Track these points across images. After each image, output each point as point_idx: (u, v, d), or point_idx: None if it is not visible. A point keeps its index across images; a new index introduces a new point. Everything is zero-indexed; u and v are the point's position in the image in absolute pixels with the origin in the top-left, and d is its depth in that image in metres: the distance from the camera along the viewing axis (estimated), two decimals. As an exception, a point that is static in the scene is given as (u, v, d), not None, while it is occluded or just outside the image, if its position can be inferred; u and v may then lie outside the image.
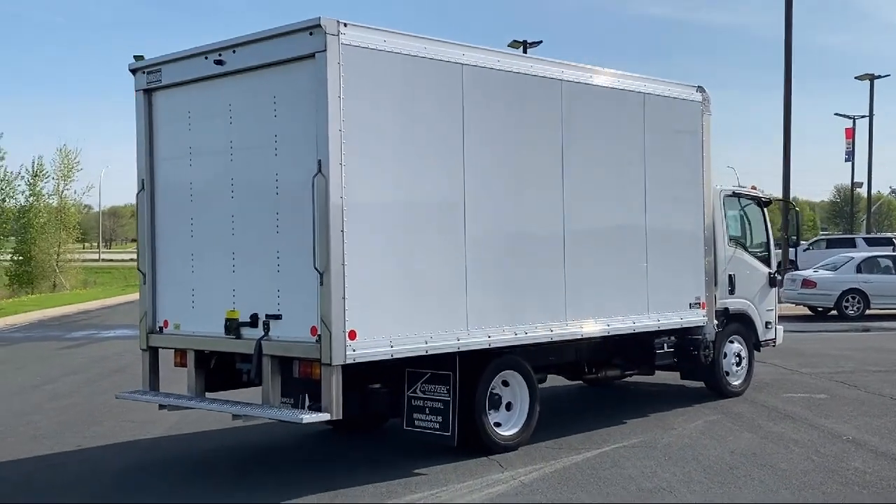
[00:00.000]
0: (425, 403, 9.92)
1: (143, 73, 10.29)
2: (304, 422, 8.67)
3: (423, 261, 9.42)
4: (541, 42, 46.11)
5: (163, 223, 10.32)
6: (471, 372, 10.10)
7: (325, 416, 8.71)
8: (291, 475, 9.58)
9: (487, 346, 9.97)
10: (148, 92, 10.30)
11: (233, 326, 9.44)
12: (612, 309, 11.33)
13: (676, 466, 9.52)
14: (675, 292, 12.17)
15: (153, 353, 10.37)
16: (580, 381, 13.06)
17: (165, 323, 10.26)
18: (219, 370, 10.03)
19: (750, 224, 14.45)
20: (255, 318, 9.27)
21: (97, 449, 10.82)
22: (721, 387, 13.40)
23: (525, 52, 44.30)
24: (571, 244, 10.82)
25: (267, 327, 9.18)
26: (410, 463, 9.76)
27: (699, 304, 12.48)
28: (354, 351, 8.77)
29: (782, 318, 15.81)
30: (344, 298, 8.68)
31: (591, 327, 11.09)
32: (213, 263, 9.81)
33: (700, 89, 12.57)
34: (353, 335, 8.75)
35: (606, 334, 11.38)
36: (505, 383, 10.56)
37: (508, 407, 10.59)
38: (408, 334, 9.21)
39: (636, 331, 11.72)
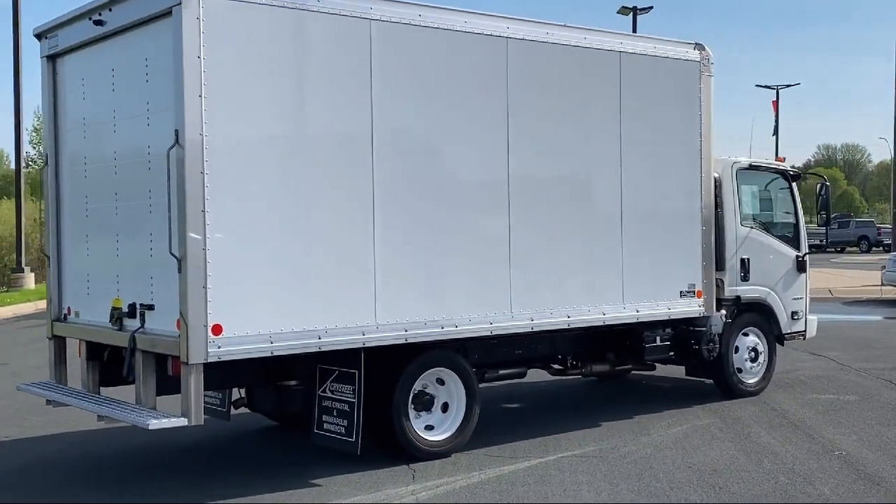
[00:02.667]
0: (333, 405, 8.81)
1: (45, 38, 9.44)
2: (151, 428, 7.65)
3: (315, 242, 8.26)
4: (651, 8, 43.58)
5: (64, 201, 9.47)
6: (386, 370, 8.96)
7: (177, 423, 7.70)
8: (179, 478, 8.64)
9: (404, 342, 8.76)
10: (51, 59, 9.44)
11: (116, 316, 8.51)
12: (574, 297, 9.95)
13: (610, 484, 8.16)
14: (661, 278, 10.67)
15: (59, 342, 9.56)
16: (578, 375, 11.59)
17: (69, 310, 9.43)
18: (113, 363, 9.12)
19: (774, 201, 12.73)
20: (133, 308, 8.33)
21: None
22: (731, 385, 11.82)
23: (635, 20, 42.35)
24: (519, 221, 9.48)
25: (143, 318, 8.22)
26: (318, 470, 8.69)
27: (693, 292, 10.93)
28: (219, 348, 7.71)
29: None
30: (205, 288, 7.63)
31: (546, 320, 9.74)
32: (102, 246, 8.94)
33: (698, 47, 10.98)
34: (217, 330, 7.69)
35: (566, 327, 10.00)
36: (440, 381, 9.35)
37: (445, 408, 9.38)
38: (294, 328, 8.09)
39: (607, 323, 10.29)
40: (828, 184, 12.38)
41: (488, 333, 9.38)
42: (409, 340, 8.79)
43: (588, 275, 10.07)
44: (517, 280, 9.46)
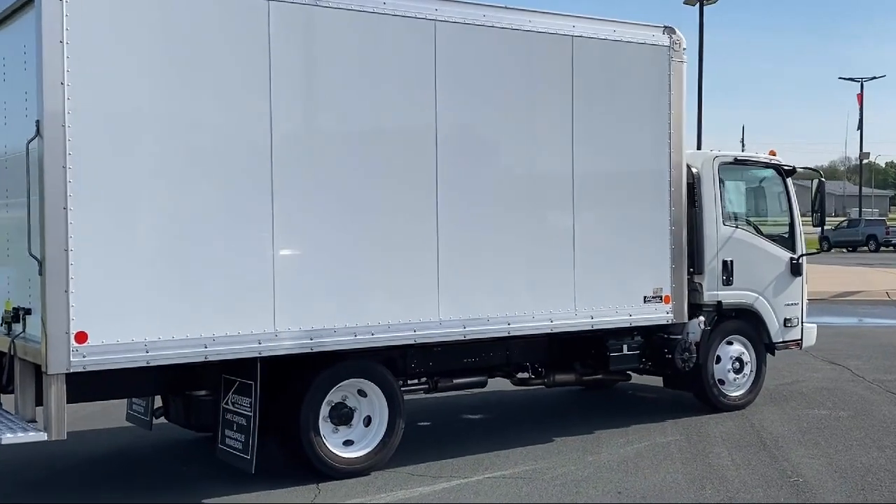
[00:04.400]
0: (233, 418, 8.17)
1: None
2: (4, 442, 7.08)
3: (201, 243, 7.59)
4: (717, -1, 41.77)
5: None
6: (294, 381, 8.28)
7: (35, 437, 7.12)
8: (73, 490, 8.08)
9: (309, 351, 8.07)
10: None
11: (5, 320, 7.97)
12: (516, 303, 9.13)
13: (520, 512, 7.37)
14: (621, 281, 9.79)
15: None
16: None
17: (-24, 314, 8.93)
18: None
19: (766, 199, 11.70)
20: (17, 312, 7.78)
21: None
22: (711, 398, 10.86)
23: (701, 10, 40.91)
24: (450, 218, 8.70)
25: (24, 323, 7.67)
26: (216, 487, 8.12)
27: (660, 297, 10.02)
28: (84, 357, 7.11)
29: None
30: (67, 292, 7.03)
31: (481, 327, 8.94)
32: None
33: (668, 30, 10.06)
34: (81, 338, 7.09)
35: (506, 335, 9.19)
36: (362, 393, 8.63)
37: (368, 422, 8.66)
38: (175, 336, 7.45)
39: (555, 331, 9.46)
40: (823, 179, 11.29)
41: (411, 342, 8.63)
42: (316, 350, 8.09)
43: (534, 276, 9.25)
44: (447, 282, 8.69)
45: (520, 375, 10.36)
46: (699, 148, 44.93)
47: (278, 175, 7.84)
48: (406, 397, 9.14)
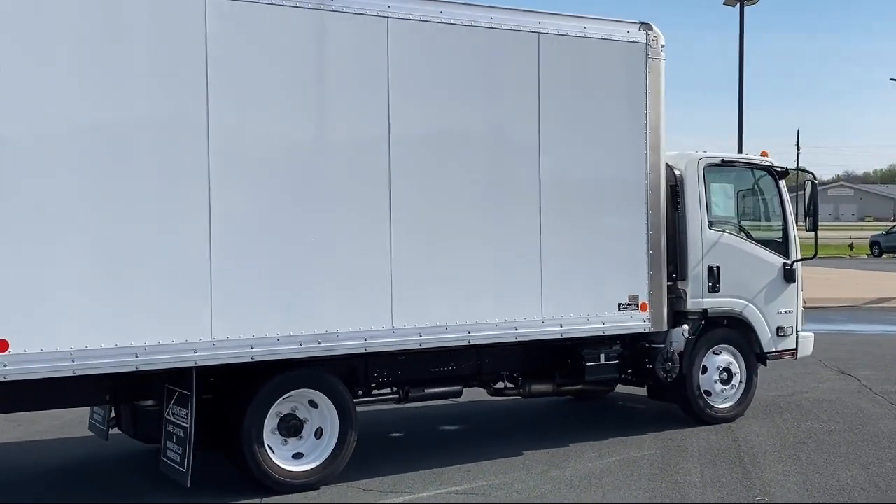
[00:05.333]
0: (173, 430, 7.90)
1: None
2: None
3: (131, 244, 7.27)
4: (759, -1, 40.92)
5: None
6: (237, 391, 8.01)
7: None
8: None
9: (250, 360, 7.77)
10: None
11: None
12: (477, 310, 8.77)
13: (458, 532, 7.01)
14: (593, 288, 9.38)
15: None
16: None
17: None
18: None
19: (757, 202, 11.21)
20: None
21: None
22: (696, 410, 10.39)
23: (742, 11, 40.10)
24: (405, 223, 8.37)
25: None
26: (170, 498, 7.82)
27: (636, 304, 9.60)
28: (6, 367, 6.87)
29: None
30: (-16, 299, 6.80)
31: (438, 336, 8.59)
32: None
33: (644, 27, 9.65)
34: (2, 346, 6.86)
35: (466, 344, 8.83)
36: (313, 404, 8.33)
37: (319, 434, 8.35)
38: (103, 344, 7.18)
39: (520, 339, 9.08)
40: (816, 181, 10.76)
41: (362, 351, 8.30)
42: (257, 359, 7.79)
43: (497, 283, 8.87)
44: (401, 288, 8.35)
45: (497, 385, 10.00)
46: (740, 151, 44.24)
47: (216, 171, 7.54)
48: (378, 407, 8.81)
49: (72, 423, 10.39)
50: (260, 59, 7.78)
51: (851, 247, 52.46)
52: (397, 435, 10.31)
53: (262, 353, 7.79)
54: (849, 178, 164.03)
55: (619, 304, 9.51)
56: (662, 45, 9.73)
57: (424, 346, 8.58)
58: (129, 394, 8.13)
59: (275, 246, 7.83)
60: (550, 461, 8.99)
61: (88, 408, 9.33)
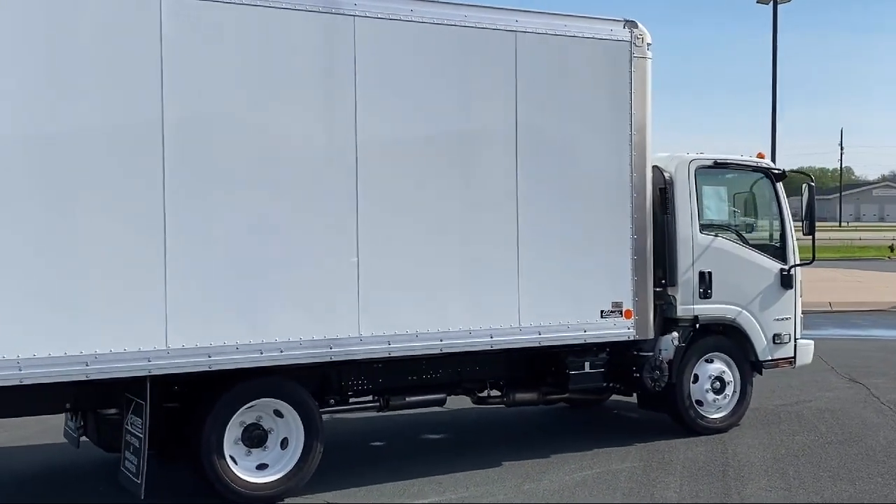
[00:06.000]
0: (130, 440, 7.73)
1: None
2: None
3: (80, 249, 7.07)
4: (792, -2, 40.25)
5: None
6: (196, 401, 7.82)
7: None
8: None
9: (207, 369, 7.57)
10: None
11: None
12: (450, 317, 8.51)
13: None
14: (574, 295, 9.08)
15: None
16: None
17: None
18: None
19: (753, 205, 10.83)
20: None
21: None
22: (687, 420, 10.06)
23: (775, 10, 39.52)
24: (373, 226, 8.14)
25: None
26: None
27: (619, 311, 9.29)
28: (-50, 375, 6.73)
29: None
30: (-73, 306, 6.66)
31: (408, 344, 8.35)
32: None
33: (629, 24, 9.34)
34: (-53, 355, 6.71)
35: (439, 352, 8.57)
36: (278, 413, 8.12)
37: (285, 444, 8.14)
38: (52, 352, 7.01)
39: (495, 347, 8.81)
40: (813, 184, 10.36)
41: (327, 360, 8.07)
42: (215, 368, 7.59)
43: (471, 288, 8.61)
44: (369, 294, 8.12)
45: (478, 394, 9.73)
46: (774, 150, 43.58)
47: (171, 169, 7.34)
48: (368, 415, 8.51)
49: (58, 427, 10.23)
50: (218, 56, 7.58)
51: (892, 248, 51.39)
52: (378, 444, 10.08)
53: (221, 362, 7.59)
54: (894, 179, 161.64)
55: (602, 311, 9.22)
56: (649, 44, 9.42)
57: (393, 355, 8.35)
58: (89, 402, 8.00)
59: (232, 253, 7.62)
60: (528, 473, 8.72)
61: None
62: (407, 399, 9.05)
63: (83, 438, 8.80)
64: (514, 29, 8.75)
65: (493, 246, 8.71)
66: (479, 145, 8.69)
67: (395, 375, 8.84)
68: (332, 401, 8.66)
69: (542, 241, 8.89)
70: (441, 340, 8.48)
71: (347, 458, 9.21)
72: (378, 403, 8.94)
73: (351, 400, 8.91)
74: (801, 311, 10.72)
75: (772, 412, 11.17)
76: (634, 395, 10.33)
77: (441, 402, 9.37)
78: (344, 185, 8.03)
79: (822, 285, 26.02)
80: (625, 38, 9.28)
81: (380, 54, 8.17)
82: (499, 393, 9.68)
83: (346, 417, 10.26)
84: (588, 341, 9.21)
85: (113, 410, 8.12)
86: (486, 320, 8.65)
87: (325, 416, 8.48)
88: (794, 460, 9.04)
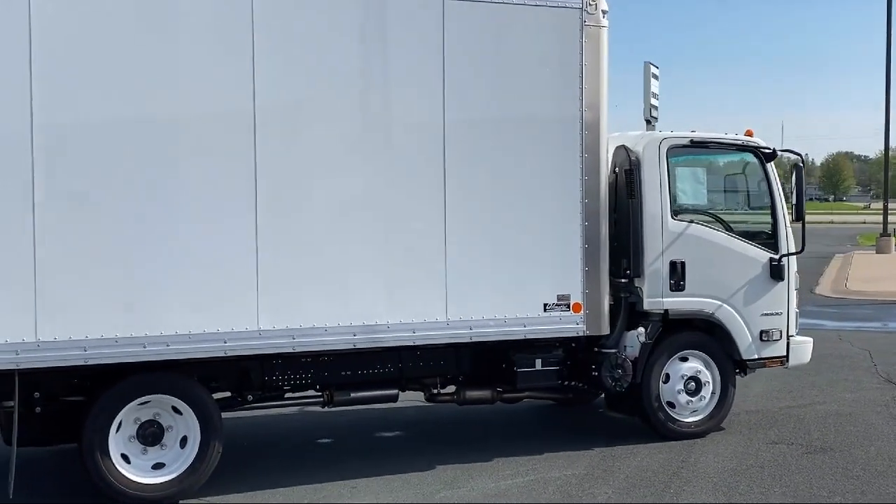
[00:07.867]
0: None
1: None
2: None
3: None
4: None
5: None
6: (78, 397, 7.41)
7: None
8: None
9: (83, 363, 7.13)
10: None
11: None
12: (364, 309, 7.89)
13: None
14: (511, 286, 8.34)
15: None
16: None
17: None
18: None
19: (739, 188, 9.83)
20: None
21: None
22: (656, 424, 9.19)
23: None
24: (274, 209, 7.55)
25: None
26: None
27: (566, 305, 8.50)
28: None
29: None
30: None
31: (316, 339, 7.76)
32: None
33: (581, -10, 8.50)
34: None
35: (352, 347, 7.95)
36: (177, 410, 7.65)
37: (185, 443, 7.67)
38: None
39: (418, 343, 8.15)
40: (802, 164, 9.28)
41: (221, 354, 7.54)
42: (92, 363, 7.15)
43: (389, 278, 7.95)
44: (269, 284, 7.55)
45: (432, 390, 9.08)
46: (887, 134, 41.16)
47: (40, 158, 6.91)
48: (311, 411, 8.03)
49: None
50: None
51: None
52: (325, 441, 9.53)
53: (98, 356, 7.14)
54: None
55: (546, 305, 8.45)
56: (604, 11, 8.57)
57: (298, 350, 7.77)
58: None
59: (112, 238, 7.15)
60: (454, 478, 8.06)
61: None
62: (352, 395, 8.50)
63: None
64: (442, -5, 8.03)
65: (415, 233, 8.03)
66: (396, 121, 8.00)
67: (327, 370, 8.30)
68: (249, 397, 8.17)
69: (473, 228, 8.17)
70: (355, 335, 7.87)
71: (280, 455, 8.75)
72: (321, 399, 8.42)
73: (286, 395, 8.43)
74: (796, 306, 9.69)
75: (770, 415, 10.19)
76: (587, 395, 9.51)
77: (393, 399, 8.78)
78: (240, 165, 7.48)
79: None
80: (574, 5, 8.46)
81: (276, 20, 7.55)
82: (451, 390, 9.02)
83: (309, 412, 9.82)
84: (529, 337, 8.45)
85: (11, 403, 7.75)
86: (406, 314, 8.00)
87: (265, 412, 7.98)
88: (757, 473, 8.12)
